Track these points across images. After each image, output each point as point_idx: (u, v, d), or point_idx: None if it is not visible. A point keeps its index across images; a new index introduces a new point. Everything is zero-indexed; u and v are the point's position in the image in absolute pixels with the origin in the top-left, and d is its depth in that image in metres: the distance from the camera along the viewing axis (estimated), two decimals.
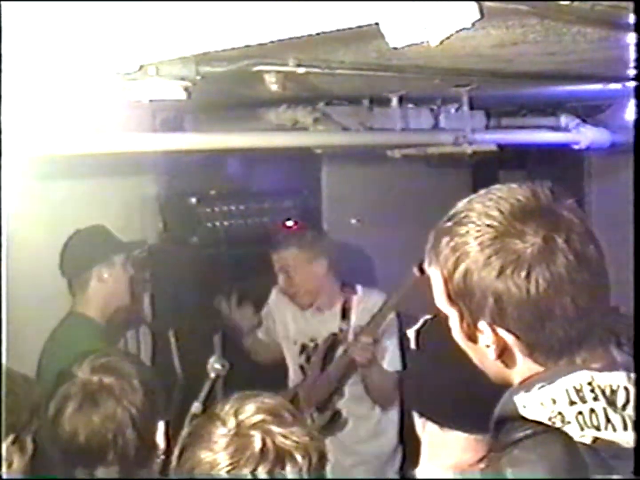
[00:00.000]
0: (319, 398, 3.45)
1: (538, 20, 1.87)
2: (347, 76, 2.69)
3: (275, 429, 1.63)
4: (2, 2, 1.39)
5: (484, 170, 4.43)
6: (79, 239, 3.34)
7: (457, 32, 1.50)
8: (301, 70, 2.46)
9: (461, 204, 1.35)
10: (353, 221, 4.36)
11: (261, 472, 1.58)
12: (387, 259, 4.32)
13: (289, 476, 1.60)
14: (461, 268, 1.30)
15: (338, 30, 1.70)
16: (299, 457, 1.61)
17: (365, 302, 3.56)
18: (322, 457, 1.66)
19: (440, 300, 1.38)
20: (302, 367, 3.59)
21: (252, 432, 1.62)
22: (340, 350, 3.48)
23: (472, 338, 1.35)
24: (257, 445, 1.60)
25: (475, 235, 1.29)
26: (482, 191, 1.35)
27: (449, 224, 1.33)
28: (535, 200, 1.30)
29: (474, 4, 1.47)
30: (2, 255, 1.89)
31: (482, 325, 1.31)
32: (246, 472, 1.58)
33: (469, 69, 2.75)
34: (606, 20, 1.92)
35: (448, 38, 1.51)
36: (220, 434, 1.62)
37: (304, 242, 3.52)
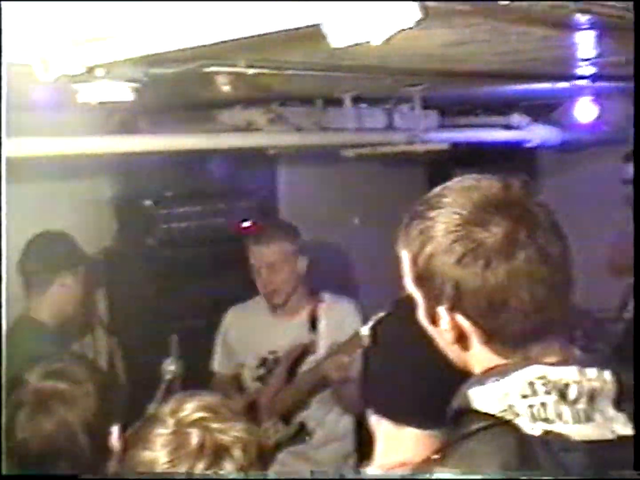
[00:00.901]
0: (283, 409, 3.36)
1: (482, 20, 1.90)
2: (300, 76, 2.70)
3: (213, 425, 1.65)
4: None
5: (439, 168, 4.46)
6: (43, 244, 3.31)
7: (399, 31, 1.53)
8: (252, 71, 2.47)
9: (437, 189, 1.37)
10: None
11: (200, 467, 1.60)
12: (346, 259, 4.34)
13: (228, 470, 1.61)
14: (426, 251, 1.32)
15: (286, 30, 1.72)
16: (237, 453, 1.63)
17: (334, 312, 3.46)
18: (262, 453, 1.67)
19: (408, 281, 1.40)
20: (260, 379, 3.47)
21: (190, 430, 1.63)
22: (309, 363, 3.39)
23: (434, 321, 1.37)
24: (195, 441, 1.62)
25: (442, 220, 1.31)
26: (457, 178, 1.38)
27: (421, 207, 1.35)
28: (505, 193, 1.31)
29: (416, 3, 1.49)
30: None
31: (441, 310, 1.34)
32: (185, 468, 1.59)
33: (420, 68, 2.77)
34: (548, 20, 1.95)
35: (390, 38, 1.54)
36: (159, 433, 1.64)
37: (291, 235, 3.43)
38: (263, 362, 3.46)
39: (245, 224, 3.59)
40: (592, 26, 2.13)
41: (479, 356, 1.35)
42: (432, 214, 1.33)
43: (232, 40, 1.75)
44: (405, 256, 1.38)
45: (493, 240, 1.27)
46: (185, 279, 3.77)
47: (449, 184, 1.37)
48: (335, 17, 1.52)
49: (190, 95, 3.13)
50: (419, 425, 1.53)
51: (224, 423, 1.66)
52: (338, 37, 1.56)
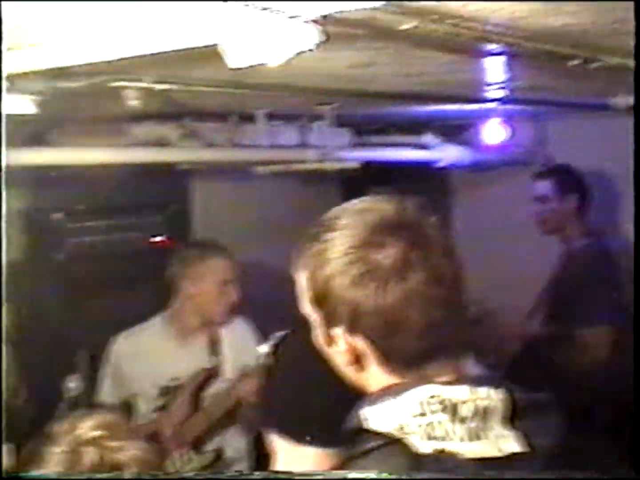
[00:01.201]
0: (193, 437, 3.24)
1: (384, 44, 1.92)
2: (211, 92, 2.69)
3: (109, 444, 1.63)
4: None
5: (354, 187, 4.50)
6: None
7: (298, 54, 1.54)
8: (160, 87, 2.45)
9: (332, 212, 1.37)
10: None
11: None
12: (257, 278, 4.33)
13: None
14: (322, 273, 1.32)
15: (187, 49, 1.72)
16: (133, 472, 1.61)
17: (233, 335, 3.41)
18: (159, 471, 1.66)
19: (304, 304, 1.40)
20: (160, 409, 3.32)
21: (85, 448, 1.62)
22: (217, 387, 3.32)
23: (330, 342, 1.38)
24: (90, 460, 1.60)
25: (338, 243, 1.31)
26: (352, 201, 1.38)
27: (317, 230, 1.36)
28: (399, 214, 1.33)
29: (314, 27, 1.50)
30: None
31: (338, 331, 1.34)
32: None
33: (329, 88, 2.79)
34: (450, 45, 1.99)
35: (289, 60, 1.55)
36: (54, 452, 1.61)
37: (225, 252, 3.37)
38: (165, 391, 3.32)
39: (156, 239, 3.54)
40: (497, 53, 2.18)
41: (374, 377, 1.36)
42: (328, 236, 1.33)
43: (137, 56, 1.76)
44: (301, 278, 1.39)
45: (388, 261, 1.28)
46: (94, 294, 3.71)
47: (344, 205, 1.38)
48: (232, 38, 1.53)
49: (100, 109, 3.10)
50: (317, 444, 1.53)
51: (120, 442, 1.64)
52: (235, 57, 1.57)
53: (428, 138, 4.35)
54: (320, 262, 1.33)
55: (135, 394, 3.35)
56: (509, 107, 3.94)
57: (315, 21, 1.47)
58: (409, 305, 1.28)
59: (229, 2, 1.34)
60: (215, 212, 4.29)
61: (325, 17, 1.43)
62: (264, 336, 3.10)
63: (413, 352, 1.32)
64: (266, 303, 3.68)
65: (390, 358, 1.33)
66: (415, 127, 4.43)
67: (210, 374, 3.31)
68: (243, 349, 3.34)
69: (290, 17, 1.41)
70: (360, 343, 1.33)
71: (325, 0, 1.39)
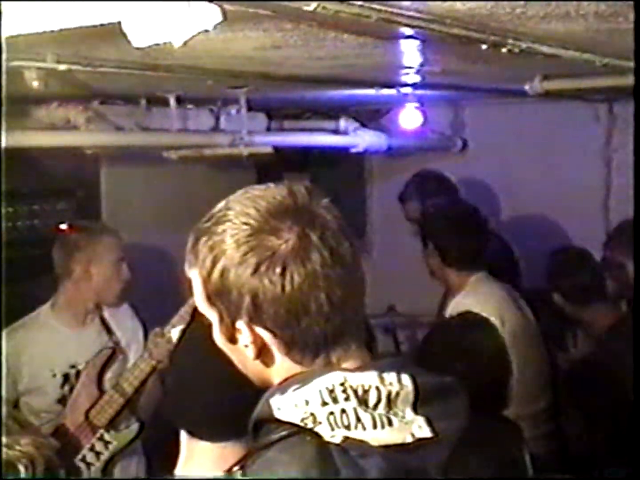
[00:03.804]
0: (108, 417, 3.19)
1: (292, 25, 1.88)
2: (118, 74, 2.61)
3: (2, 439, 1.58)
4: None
5: (268, 173, 4.45)
6: None
7: (200, 33, 1.50)
8: (62, 67, 2.37)
9: (220, 204, 1.34)
10: None
11: None
12: (167, 263, 4.25)
13: None
14: (218, 267, 1.29)
15: (88, 27, 1.65)
16: (21, 467, 1.57)
17: (118, 314, 3.41)
18: (50, 467, 1.61)
19: (200, 302, 1.36)
20: (63, 398, 3.25)
21: None
22: (117, 366, 3.30)
23: (232, 339, 1.34)
24: None
25: (231, 234, 1.28)
26: (240, 191, 1.35)
27: (208, 224, 1.32)
28: (291, 199, 1.31)
29: (215, 6, 1.46)
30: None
31: (240, 324, 1.31)
32: None
33: (239, 70, 2.75)
34: (360, 28, 1.96)
35: (191, 39, 1.50)
36: None
37: (115, 232, 3.36)
38: (65, 378, 3.27)
39: (63, 226, 3.43)
40: (407, 36, 2.16)
41: (281, 368, 1.34)
42: (220, 228, 1.29)
43: (38, 33, 1.68)
44: (195, 276, 1.35)
45: (286, 246, 1.26)
46: None
47: (231, 197, 1.34)
48: (134, 17, 1.48)
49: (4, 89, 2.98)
50: (212, 439, 1.50)
51: (9, 437, 1.59)
52: (138, 36, 1.53)
53: (345, 123, 4.33)
54: (215, 256, 1.29)
55: (32, 389, 3.28)
56: (424, 92, 3.94)
57: (216, 0, 1.44)
58: (311, 288, 1.27)
59: None
60: (125, 198, 4.19)
61: None
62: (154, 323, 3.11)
63: (318, 338, 1.30)
64: (161, 292, 3.64)
65: (295, 346, 1.31)
66: (330, 112, 4.41)
67: (112, 354, 3.30)
68: (129, 329, 3.38)
69: None
70: (264, 333, 1.31)
71: None
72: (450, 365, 2.22)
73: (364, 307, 1.38)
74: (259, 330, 1.30)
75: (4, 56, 1.54)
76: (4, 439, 1.60)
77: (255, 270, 1.26)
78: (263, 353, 1.33)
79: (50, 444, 1.67)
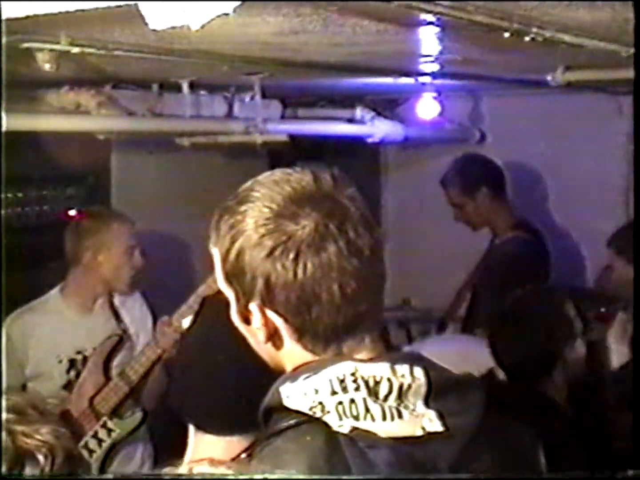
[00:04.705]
0: (113, 405, 3.19)
1: (311, 10, 1.85)
2: (132, 58, 2.57)
3: (17, 427, 1.54)
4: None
5: (281, 161, 4.39)
6: None
7: (219, 17, 1.45)
8: (75, 49, 2.32)
9: (247, 184, 1.34)
10: None
11: None
12: (179, 252, 4.21)
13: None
14: (236, 246, 1.29)
15: (105, 8, 1.61)
16: (40, 457, 1.53)
17: (128, 300, 3.41)
18: (70, 457, 1.58)
19: (220, 280, 1.37)
20: (69, 384, 3.26)
21: None
22: (125, 354, 3.29)
23: (246, 320, 1.35)
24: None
25: (252, 215, 1.28)
26: (267, 173, 1.35)
27: (232, 202, 1.32)
28: (315, 186, 1.30)
29: None
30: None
31: (253, 306, 1.31)
32: None
33: (256, 56, 2.71)
34: (381, 14, 1.92)
35: (209, 22, 1.46)
36: None
37: (127, 219, 3.37)
38: (71, 364, 3.27)
39: (72, 212, 3.40)
40: (428, 23, 2.12)
41: (291, 354, 1.34)
42: (242, 208, 1.30)
43: (51, 14, 1.63)
44: (216, 253, 1.35)
45: (303, 233, 1.26)
46: (7, 269, 3.54)
47: (259, 178, 1.34)
48: None
49: (12, 72, 2.93)
50: (219, 432, 1.49)
51: (29, 426, 1.56)
52: (155, 18, 1.50)
53: (360, 112, 4.27)
54: (234, 235, 1.30)
55: (39, 374, 3.28)
56: (443, 81, 3.88)
57: None
58: (324, 278, 1.26)
59: None
60: (136, 184, 4.14)
61: None
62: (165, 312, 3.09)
63: (330, 327, 1.29)
64: (171, 280, 3.60)
65: (306, 334, 1.31)
66: (346, 100, 4.35)
67: (119, 341, 3.28)
68: (139, 316, 3.38)
69: None
70: (276, 318, 1.30)
71: None
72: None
73: (381, 301, 1.37)
74: (271, 314, 1.30)
75: (3, 39, 1.50)
76: (21, 428, 1.55)
77: (270, 253, 1.26)
78: (274, 337, 1.33)
79: (67, 434, 1.63)
